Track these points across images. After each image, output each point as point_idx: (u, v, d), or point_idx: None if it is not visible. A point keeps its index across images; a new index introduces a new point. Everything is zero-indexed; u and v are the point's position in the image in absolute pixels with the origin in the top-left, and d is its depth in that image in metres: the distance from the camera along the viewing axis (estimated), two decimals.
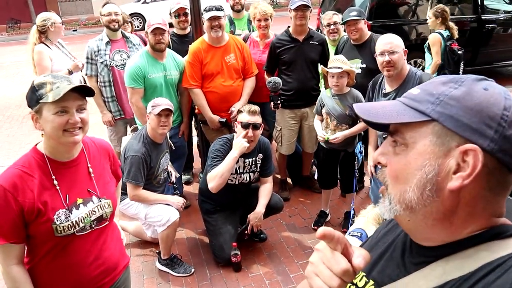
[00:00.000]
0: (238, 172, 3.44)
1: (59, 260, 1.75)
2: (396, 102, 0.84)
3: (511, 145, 0.73)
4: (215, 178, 3.19)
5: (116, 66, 4.20)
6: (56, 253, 1.73)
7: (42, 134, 1.70)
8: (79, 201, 1.76)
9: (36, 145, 1.76)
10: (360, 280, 0.97)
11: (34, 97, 1.64)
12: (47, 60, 4.17)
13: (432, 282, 0.80)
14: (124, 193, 3.42)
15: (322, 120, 3.67)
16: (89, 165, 1.83)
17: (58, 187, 1.70)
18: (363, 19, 3.91)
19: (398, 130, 0.82)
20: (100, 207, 1.83)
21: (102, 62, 4.16)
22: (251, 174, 3.52)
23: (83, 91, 1.67)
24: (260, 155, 3.50)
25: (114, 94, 4.24)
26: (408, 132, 0.80)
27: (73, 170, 1.77)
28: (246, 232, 3.49)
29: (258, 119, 3.31)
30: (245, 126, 3.25)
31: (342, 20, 4.05)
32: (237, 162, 3.36)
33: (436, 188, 0.77)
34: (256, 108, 3.36)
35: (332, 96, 3.54)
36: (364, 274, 0.97)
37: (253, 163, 3.48)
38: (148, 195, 3.34)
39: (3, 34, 17.54)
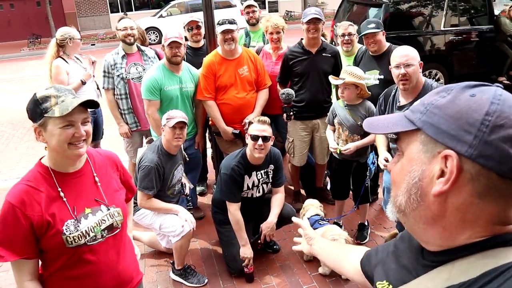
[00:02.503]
0: (251, 187, 3.46)
1: (74, 272, 1.75)
2: (399, 114, 0.88)
3: (495, 150, 0.72)
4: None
5: (132, 79, 4.31)
6: (71, 265, 1.73)
7: (46, 147, 1.71)
8: (87, 210, 1.76)
9: (40, 159, 1.77)
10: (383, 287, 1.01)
11: (38, 111, 1.63)
12: (64, 74, 4.33)
13: (438, 286, 0.82)
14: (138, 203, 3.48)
15: (334, 131, 3.68)
16: (94, 174, 1.83)
17: (64, 199, 1.71)
18: (382, 30, 3.89)
19: (399, 138, 0.87)
20: (110, 215, 1.82)
21: (118, 75, 4.27)
22: (264, 186, 3.54)
23: (87, 104, 1.68)
24: (271, 166, 3.52)
25: (131, 106, 4.34)
26: (404, 141, 0.85)
27: (79, 181, 1.77)
28: (259, 242, 3.49)
29: (267, 130, 3.30)
30: (255, 138, 3.26)
31: (360, 33, 4.02)
32: (250, 177, 3.40)
33: (421, 192, 0.80)
34: (265, 118, 3.38)
35: (344, 106, 3.55)
36: (386, 280, 1.02)
37: (265, 174, 3.50)
38: (157, 204, 3.37)
39: (25, 49, 18.01)
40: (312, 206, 3.70)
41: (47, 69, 4.44)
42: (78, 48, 4.56)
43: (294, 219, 1.66)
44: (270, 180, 3.56)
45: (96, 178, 1.83)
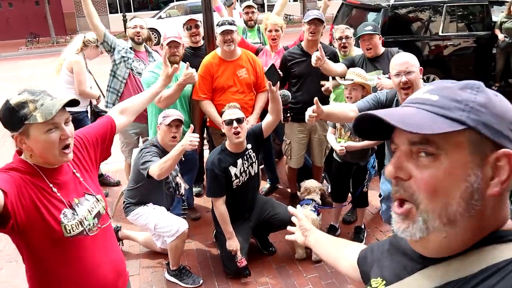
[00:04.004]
0: (239, 175, 3.43)
1: (76, 265, 1.73)
2: (419, 110, 0.80)
3: None
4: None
5: (132, 69, 4.33)
6: (72, 258, 1.71)
7: (31, 155, 1.63)
8: (76, 201, 1.74)
9: (16, 155, 1.69)
10: (377, 284, 1.00)
11: (15, 119, 1.55)
12: (85, 73, 4.47)
13: (434, 282, 0.82)
14: (133, 203, 3.46)
15: (334, 133, 3.68)
16: (74, 170, 1.80)
17: (55, 189, 1.67)
18: (378, 34, 3.88)
19: (430, 140, 0.77)
20: (95, 203, 1.82)
21: (123, 57, 4.29)
22: (250, 169, 3.51)
23: (68, 104, 1.62)
24: (249, 145, 3.49)
25: (121, 91, 4.34)
26: (441, 142, 0.76)
27: (62, 174, 1.74)
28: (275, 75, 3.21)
29: (238, 112, 3.32)
30: (229, 122, 3.27)
31: (356, 34, 4.02)
32: (236, 166, 3.38)
33: (480, 196, 0.76)
34: (235, 103, 3.42)
35: None
36: (380, 277, 1.00)
37: (248, 157, 3.48)
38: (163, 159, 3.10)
39: (22, 48, 17.96)
40: (315, 190, 3.87)
41: (60, 60, 4.54)
42: (94, 57, 4.65)
43: (290, 208, 1.63)
44: (254, 159, 3.53)
45: (77, 174, 1.80)
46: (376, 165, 3.79)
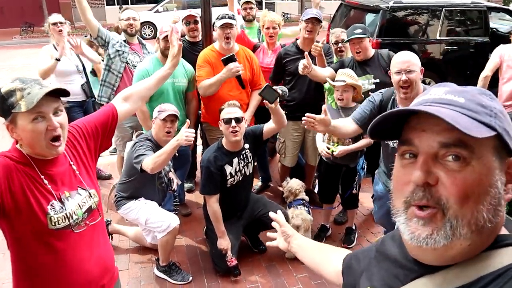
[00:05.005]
0: (234, 174, 3.41)
1: (59, 257, 1.69)
2: (451, 110, 0.76)
3: None
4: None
5: (128, 63, 4.28)
6: (55, 250, 1.68)
7: (21, 145, 1.63)
8: (67, 194, 1.71)
9: (14, 144, 1.68)
10: None
11: (5, 107, 1.55)
12: (45, 61, 4.28)
13: None
14: (125, 197, 3.43)
15: (324, 134, 3.66)
16: (71, 162, 1.76)
17: (45, 181, 1.64)
18: (368, 36, 3.83)
19: (466, 143, 0.73)
20: (87, 198, 1.79)
21: (118, 51, 4.23)
22: (245, 168, 3.48)
23: (57, 92, 1.58)
24: (247, 145, 3.46)
25: (116, 85, 4.28)
26: (476, 146, 0.74)
27: (57, 165, 1.70)
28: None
29: (238, 111, 3.29)
30: (228, 121, 3.24)
31: (347, 38, 3.94)
32: (232, 165, 3.36)
33: (501, 203, 0.76)
34: (235, 101, 3.39)
35: (338, 109, 3.53)
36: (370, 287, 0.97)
37: (245, 156, 3.46)
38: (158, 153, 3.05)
39: (17, 37, 17.78)
40: (301, 190, 3.88)
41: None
42: (60, 36, 4.38)
43: (271, 214, 1.56)
44: (250, 160, 3.51)
45: (74, 167, 1.77)
46: (366, 166, 3.77)
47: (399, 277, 0.88)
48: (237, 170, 3.42)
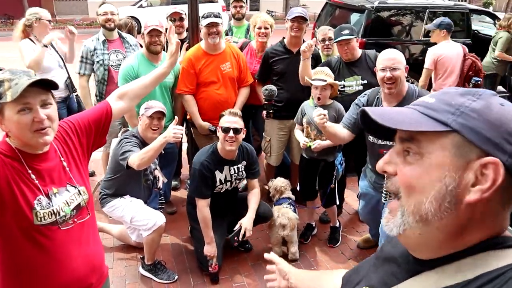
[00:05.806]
0: (223, 181, 3.41)
1: (44, 254, 1.67)
2: (412, 110, 0.82)
3: None
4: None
5: (111, 66, 4.19)
6: (40, 246, 1.65)
7: (9, 136, 1.62)
8: (55, 190, 1.69)
9: (4, 137, 1.66)
10: None
11: None
12: (30, 52, 4.11)
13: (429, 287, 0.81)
14: (110, 194, 3.39)
15: (302, 130, 3.67)
16: (62, 158, 1.74)
17: (33, 176, 1.62)
18: (355, 37, 3.84)
19: (415, 138, 0.79)
20: (76, 195, 1.76)
21: (98, 61, 4.15)
22: (237, 181, 3.51)
23: (45, 85, 1.57)
24: (244, 162, 3.48)
25: (104, 92, 4.22)
26: (425, 141, 0.78)
27: (46, 161, 1.68)
28: (236, 238, 3.40)
29: (239, 122, 3.27)
30: (226, 130, 3.22)
31: (334, 38, 3.94)
32: (222, 172, 3.35)
33: (455, 201, 0.76)
34: (236, 110, 3.36)
35: (315, 106, 3.53)
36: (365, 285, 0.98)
37: (238, 170, 3.46)
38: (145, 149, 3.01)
39: None
40: (286, 188, 3.85)
41: (19, 52, 4.25)
42: (46, 30, 4.28)
43: (266, 255, 1.56)
44: (244, 176, 3.51)
45: (64, 163, 1.74)
46: (344, 162, 3.79)
47: (397, 275, 0.89)
48: (227, 179, 3.41)
